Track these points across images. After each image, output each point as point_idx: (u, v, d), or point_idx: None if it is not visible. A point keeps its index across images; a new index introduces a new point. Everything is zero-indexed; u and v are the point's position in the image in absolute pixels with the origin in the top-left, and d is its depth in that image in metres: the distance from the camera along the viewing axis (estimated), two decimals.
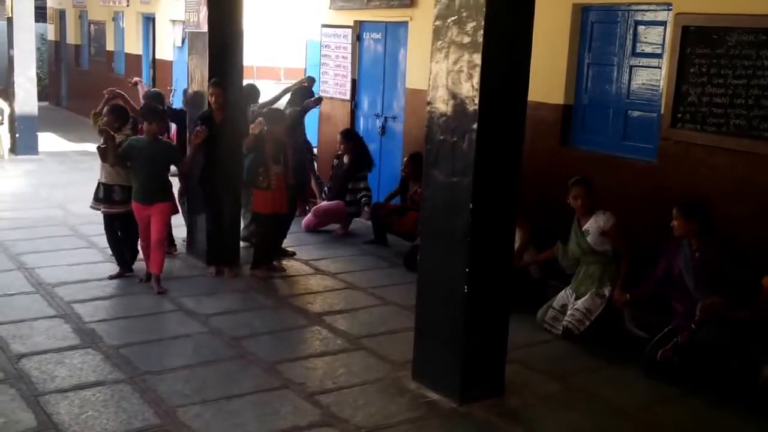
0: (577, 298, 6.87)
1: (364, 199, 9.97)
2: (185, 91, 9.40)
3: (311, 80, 10.74)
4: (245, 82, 9.71)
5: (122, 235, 7.93)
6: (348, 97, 11.19)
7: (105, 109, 8.29)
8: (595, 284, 6.80)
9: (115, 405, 5.23)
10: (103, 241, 8.15)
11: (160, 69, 17.14)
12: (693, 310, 5.89)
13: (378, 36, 10.81)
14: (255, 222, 8.48)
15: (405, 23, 10.16)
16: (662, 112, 7.21)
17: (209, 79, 8.17)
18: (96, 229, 9.25)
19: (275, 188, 7.95)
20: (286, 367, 5.95)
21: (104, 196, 7.79)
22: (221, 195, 8.16)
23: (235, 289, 7.76)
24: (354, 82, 11.17)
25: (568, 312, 6.82)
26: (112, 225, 7.87)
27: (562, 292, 7.05)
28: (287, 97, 10.50)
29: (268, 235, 8.23)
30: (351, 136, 10.15)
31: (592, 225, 6.81)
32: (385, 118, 10.63)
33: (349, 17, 11.14)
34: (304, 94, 10.44)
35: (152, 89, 10.25)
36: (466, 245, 5.21)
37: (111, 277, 7.75)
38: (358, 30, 11.10)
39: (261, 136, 7.96)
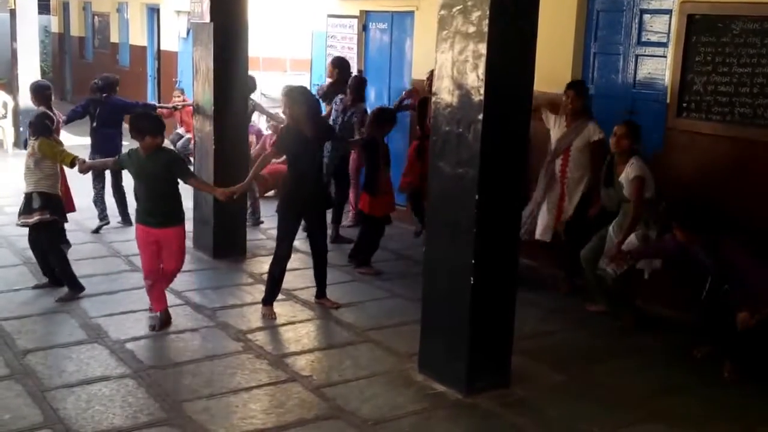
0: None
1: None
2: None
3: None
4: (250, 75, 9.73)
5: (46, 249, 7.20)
6: None
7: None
8: (641, 227, 6.61)
9: (121, 399, 5.24)
10: (110, 235, 8.16)
11: (165, 60, 17.12)
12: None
13: (384, 26, 10.77)
14: (366, 223, 8.32)
15: (411, 13, 10.12)
16: (668, 101, 7.17)
17: (214, 70, 8.16)
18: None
19: (388, 191, 8.12)
20: (293, 360, 5.96)
21: (24, 207, 7.13)
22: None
23: (240, 282, 7.75)
24: (360, 73, 11.12)
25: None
26: (36, 237, 7.20)
27: (608, 239, 6.85)
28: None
29: (379, 236, 8.29)
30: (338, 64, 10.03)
31: (624, 175, 6.65)
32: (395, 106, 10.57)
33: (355, 7, 11.09)
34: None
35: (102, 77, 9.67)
36: (472, 237, 5.20)
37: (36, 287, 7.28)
38: (364, 20, 11.05)
39: (375, 142, 7.95)
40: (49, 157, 7.01)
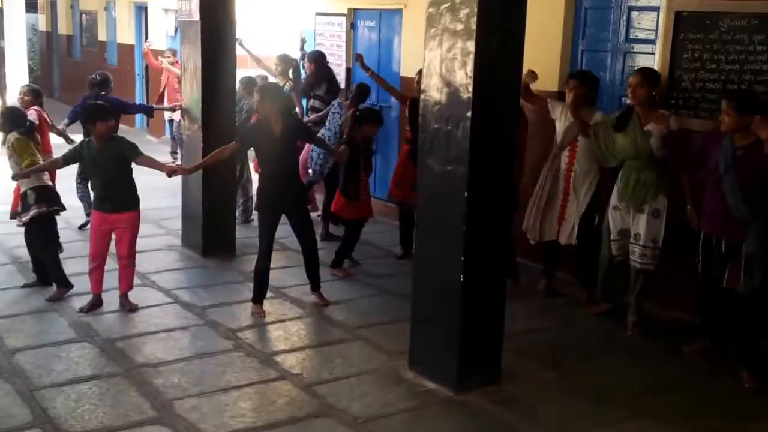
0: (632, 209, 6.47)
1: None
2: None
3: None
4: (243, 74, 9.74)
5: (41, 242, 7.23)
6: (343, 86, 11.13)
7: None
8: (650, 193, 6.37)
9: (111, 398, 5.23)
10: None
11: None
12: (723, 212, 5.68)
13: (372, 24, 10.77)
14: (345, 226, 8.28)
15: (399, 11, 10.12)
16: (656, 98, 7.18)
17: (202, 68, 8.15)
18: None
19: (365, 197, 8.10)
20: (283, 359, 5.96)
21: (21, 207, 7.15)
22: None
23: (230, 281, 7.75)
24: (349, 71, 11.12)
25: (637, 252, 6.46)
26: (31, 235, 7.20)
27: (610, 218, 6.65)
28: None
29: (355, 238, 8.27)
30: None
31: (657, 126, 6.32)
32: (381, 107, 10.56)
33: (343, 5, 11.08)
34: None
35: (99, 73, 9.68)
36: (462, 234, 5.21)
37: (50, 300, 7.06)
38: (353, 18, 11.05)
39: (354, 144, 7.91)
40: (18, 155, 7.01)
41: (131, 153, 6.68)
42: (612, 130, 6.53)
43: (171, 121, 13.87)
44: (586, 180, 7.00)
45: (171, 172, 6.96)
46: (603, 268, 6.83)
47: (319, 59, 10.15)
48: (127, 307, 6.82)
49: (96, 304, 6.81)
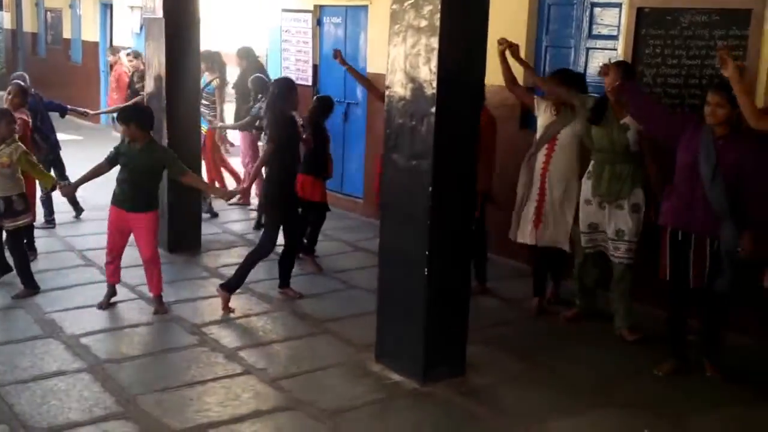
0: (607, 204, 6.27)
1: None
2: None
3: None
4: (255, 75, 9.75)
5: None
6: (310, 82, 11.14)
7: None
8: (626, 187, 6.19)
9: (77, 394, 5.21)
10: (64, 230, 8.09)
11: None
12: (695, 205, 5.48)
13: (338, 20, 10.78)
14: (312, 211, 8.11)
15: (365, 7, 10.14)
16: None
17: (167, 65, 8.14)
18: (58, 219, 9.25)
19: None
20: (249, 353, 5.96)
21: (4, 209, 6.95)
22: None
23: (195, 276, 7.74)
24: (315, 68, 11.13)
25: (622, 248, 6.25)
26: (18, 240, 7.12)
27: (581, 211, 6.44)
28: None
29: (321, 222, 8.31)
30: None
31: (631, 119, 6.12)
32: (348, 104, 10.59)
33: (309, 1, 11.06)
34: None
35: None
36: (426, 227, 5.24)
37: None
38: (319, 14, 11.05)
39: (320, 127, 7.95)
40: (23, 169, 7.01)
41: (177, 171, 6.70)
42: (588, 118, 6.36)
43: None
44: (561, 184, 6.65)
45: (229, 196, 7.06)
46: (578, 261, 6.71)
47: (250, 55, 10.22)
48: (161, 311, 6.68)
49: (110, 294, 6.84)
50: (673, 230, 5.68)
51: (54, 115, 9.45)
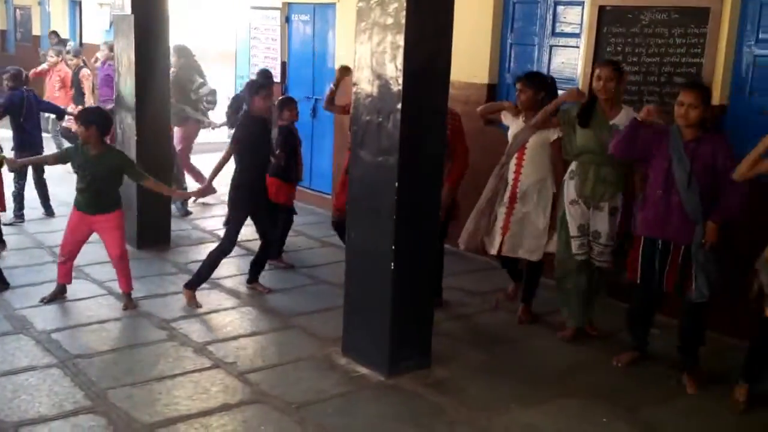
0: (591, 209, 6.13)
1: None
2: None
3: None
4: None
5: None
6: (278, 79, 11.18)
7: None
8: (609, 191, 6.03)
9: (47, 389, 5.24)
10: (34, 226, 8.05)
11: (88, 53, 16.87)
12: (670, 212, 5.42)
13: (306, 18, 10.84)
14: (281, 214, 8.07)
15: (333, 5, 10.20)
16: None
17: (136, 62, 8.16)
18: (29, 215, 9.25)
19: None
20: (217, 348, 6.02)
21: None
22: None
23: (164, 272, 7.78)
24: (284, 65, 11.18)
25: (596, 250, 6.15)
26: None
27: (568, 214, 6.20)
28: None
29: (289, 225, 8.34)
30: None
31: (623, 120, 5.89)
32: (316, 100, 10.65)
33: None
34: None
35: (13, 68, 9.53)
36: (393, 223, 5.32)
37: None
38: (287, 11, 11.10)
39: (289, 129, 7.92)
40: None
41: (136, 178, 6.82)
42: (571, 125, 6.13)
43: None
44: (534, 188, 6.48)
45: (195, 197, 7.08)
46: (561, 271, 6.38)
47: (186, 53, 10.32)
48: (130, 307, 6.71)
49: (59, 293, 6.83)
50: (647, 239, 5.60)
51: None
